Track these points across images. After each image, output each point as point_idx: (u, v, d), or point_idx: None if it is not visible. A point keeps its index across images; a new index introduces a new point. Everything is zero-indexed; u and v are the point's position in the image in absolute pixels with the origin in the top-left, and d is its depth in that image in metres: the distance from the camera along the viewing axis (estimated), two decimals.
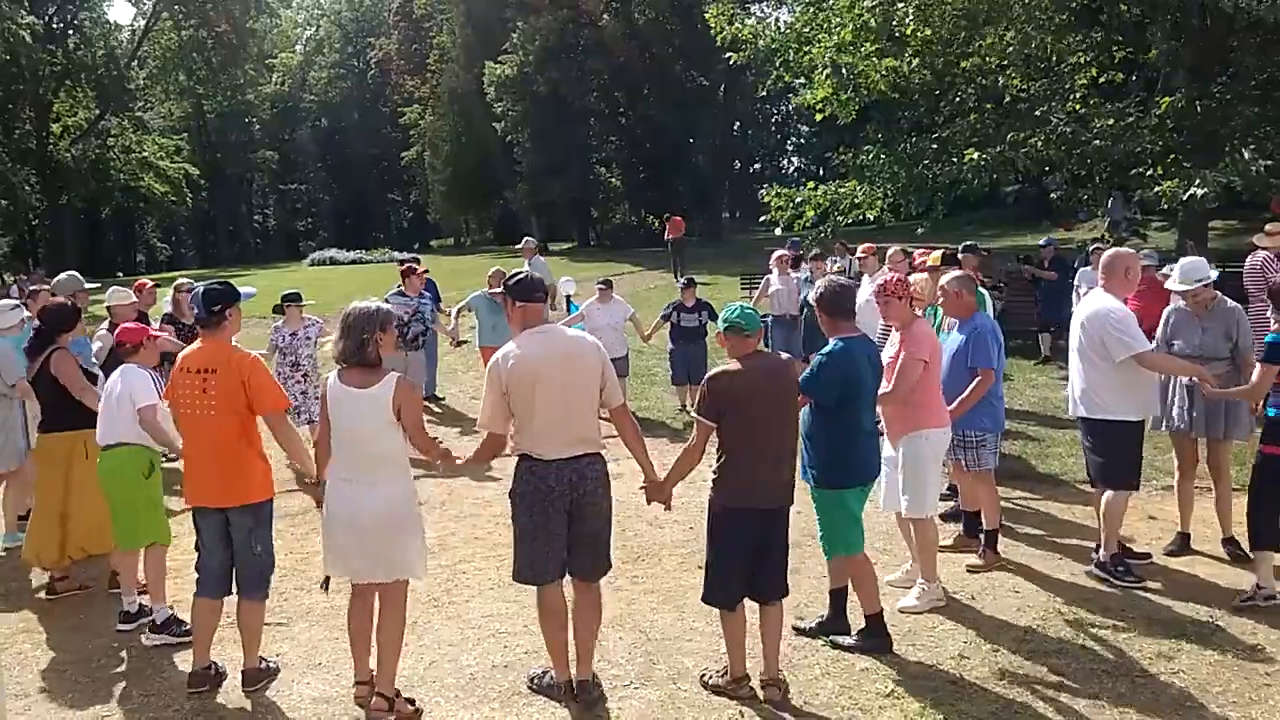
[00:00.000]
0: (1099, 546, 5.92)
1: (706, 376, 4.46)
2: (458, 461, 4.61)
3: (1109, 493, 5.79)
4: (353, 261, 40.84)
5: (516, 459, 4.39)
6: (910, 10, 12.90)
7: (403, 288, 10.12)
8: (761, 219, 16.29)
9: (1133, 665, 4.73)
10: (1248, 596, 5.31)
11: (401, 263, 11.91)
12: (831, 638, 5.00)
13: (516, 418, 4.28)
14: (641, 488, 4.60)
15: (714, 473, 4.45)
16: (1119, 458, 5.73)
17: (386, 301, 9.64)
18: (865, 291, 8.18)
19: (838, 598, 5.09)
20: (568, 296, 13.93)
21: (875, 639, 4.92)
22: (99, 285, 6.97)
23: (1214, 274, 6.15)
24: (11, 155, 43.52)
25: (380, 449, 4.31)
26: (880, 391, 5.11)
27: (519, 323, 4.37)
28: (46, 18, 46.71)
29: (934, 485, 5.53)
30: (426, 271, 10.86)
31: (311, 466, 4.65)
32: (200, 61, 54.18)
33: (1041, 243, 13.49)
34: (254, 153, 62.81)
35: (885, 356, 5.43)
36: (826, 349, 4.75)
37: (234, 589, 4.77)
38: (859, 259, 10.45)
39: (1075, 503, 7.24)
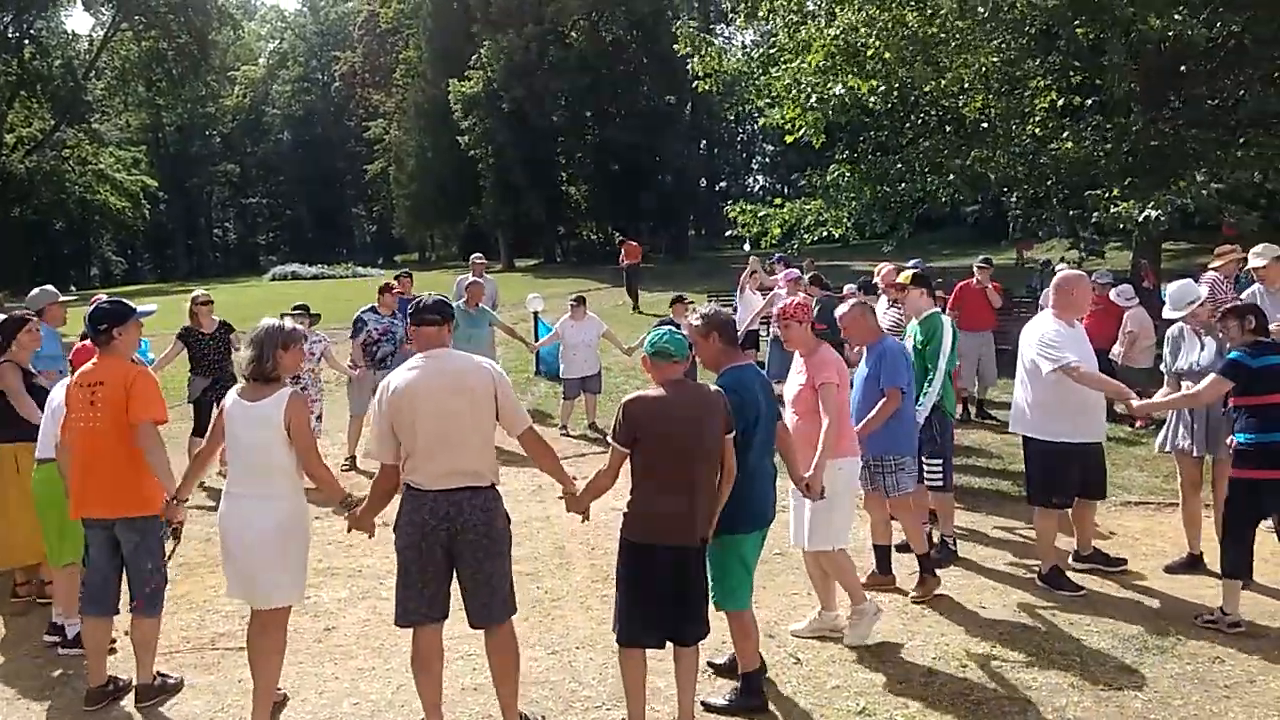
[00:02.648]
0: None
1: (624, 400, 4.17)
2: (353, 510, 4.37)
3: (1037, 510, 6.04)
4: (315, 276, 40.61)
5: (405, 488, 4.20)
6: (874, 33, 13.06)
7: (377, 305, 9.91)
8: (729, 234, 16.39)
9: (1097, 678, 4.79)
10: (1211, 620, 5.37)
11: (396, 278, 11.64)
12: (701, 699, 4.59)
13: (402, 446, 4.09)
14: (560, 498, 4.44)
15: (626, 506, 4.19)
16: (1042, 476, 5.94)
17: (363, 319, 9.61)
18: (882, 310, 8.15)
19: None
20: (536, 314, 13.90)
21: (748, 698, 4.57)
22: (75, 299, 6.89)
23: (1204, 291, 6.28)
24: None
25: (269, 463, 4.31)
26: (824, 430, 4.93)
27: (416, 346, 4.22)
28: (2, 27, 46.06)
29: (845, 516, 5.25)
30: (399, 291, 10.64)
31: (173, 485, 4.63)
32: (160, 73, 53.63)
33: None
34: (214, 165, 62.41)
35: (793, 386, 5.27)
36: (719, 382, 4.49)
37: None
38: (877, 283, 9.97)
39: None
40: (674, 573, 4.14)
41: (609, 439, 4.20)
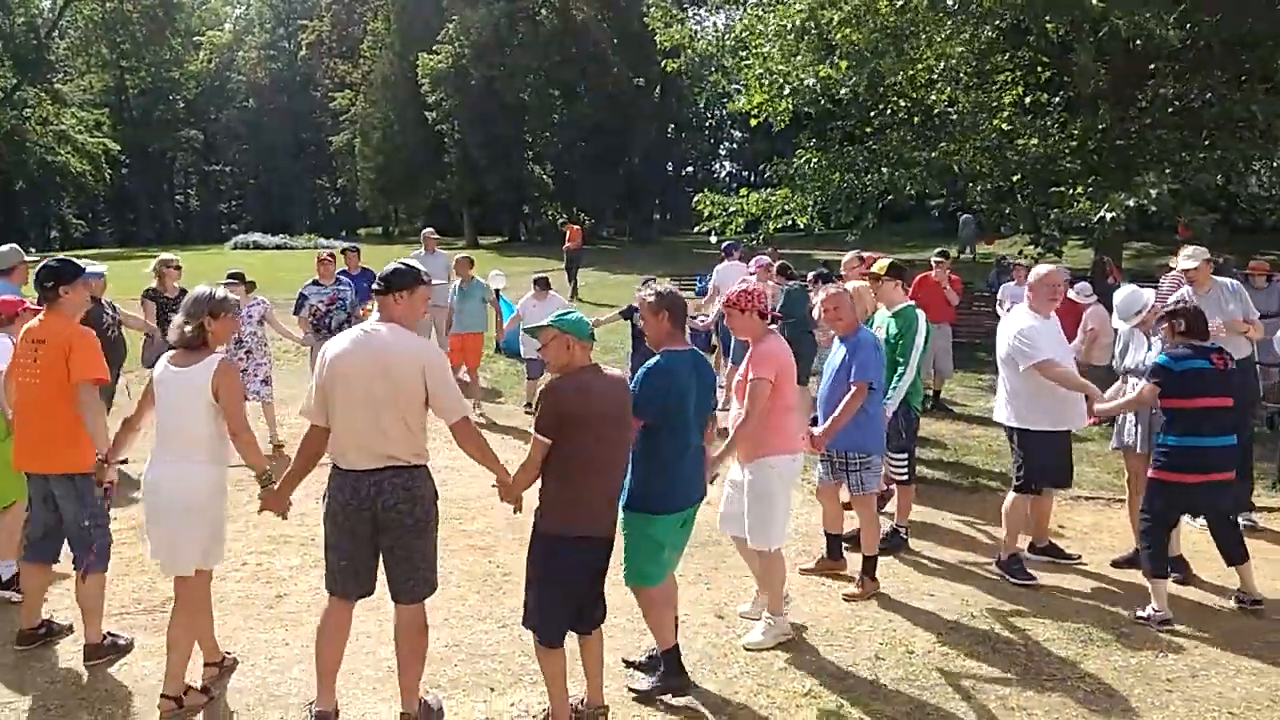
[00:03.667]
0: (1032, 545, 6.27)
1: (548, 387, 4.02)
2: (269, 487, 4.32)
3: (1011, 495, 6.10)
4: (277, 246, 40.11)
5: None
6: (836, 16, 13.07)
7: (318, 277, 9.87)
8: (697, 227, 16.33)
9: (1042, 667, 4.86)
10: (1143, 617, 5.44)
11: (343, 251, 11.54)
12: (627, 685, 4.61)
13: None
14: (493, 485, 4.20)
15: (541, 498, 4.05)
16: (1033, 463, 6.02)
17: (304, 294, 9.52)
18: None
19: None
20: (498, 290, 13.79)
21: (672, 678, 4.51)
22: (37, 259, 6.82)
23: (1150, 297, 6.38)
24: None
25: (192, 430, 4.33)
26: (737, 422, 4.90)
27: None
28: None
29: (782, 516, 5.12)
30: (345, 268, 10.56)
31: (105, 443, 4.68)
32: (124, 35, 52.62)
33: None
34: (178, 131, 61.21)
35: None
36: (650, 364, 4.43)
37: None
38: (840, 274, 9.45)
39: (990, 508, 7.41)
40: (595, 564, 4.13)
41: (534, 431, 4.02)
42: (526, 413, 10.62)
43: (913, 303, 6.63)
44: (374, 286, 4.12)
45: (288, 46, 64.02)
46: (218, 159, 66.47)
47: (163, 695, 4.34)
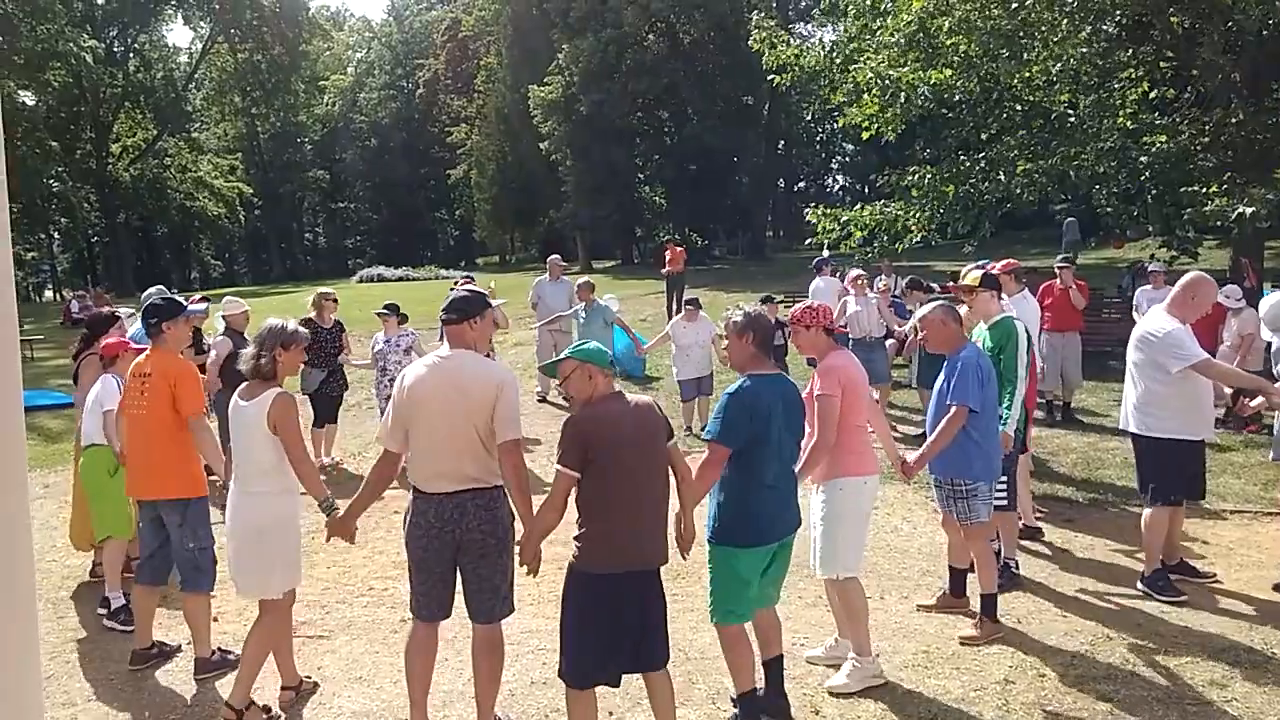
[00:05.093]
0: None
1: (570, 419, 3.91)
2: (333, 515, 4.41)
3: (1149, 509, 5.80)
4: (399, 278, 41.36)
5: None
6: (947, 24, 12.79)
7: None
8: (808, 240, 16.12)
9: (1184, 693, 4.60)
10: None
11: (460, 279, 11.89)
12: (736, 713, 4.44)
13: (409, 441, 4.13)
14: (518, 541, 4.07)
15: (576, 538, 3.86)
16: (1162, 474, 5.74)
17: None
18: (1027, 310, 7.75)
19: (771, 667, 4.52)
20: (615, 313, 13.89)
21: None
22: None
23: None
24: (72, 175, 44.87)
25: (258, 461, 4.49)
26: (811, 444, 4.62)
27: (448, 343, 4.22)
28: (108, 41, 48.21)
29: (852, 541, 4.81)
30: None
31: (220, 466, 5.05)
32: (255, 83, 55.45)
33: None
34: (306, 172, 63.96)
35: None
36: (732, 388, 4.25)
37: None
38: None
39: (1125, 526, 7.09)
40: (642, 598, 3.91)
41: (556, 464, 3.85)
42: (686, 435, 10.32)
43: (1009, 314, 6.24)
44: (445, 316, 4.19)
45: (406, 86, 66.22)
46: (343, 197, 69.14)
47: (226, 703, 4.53)
